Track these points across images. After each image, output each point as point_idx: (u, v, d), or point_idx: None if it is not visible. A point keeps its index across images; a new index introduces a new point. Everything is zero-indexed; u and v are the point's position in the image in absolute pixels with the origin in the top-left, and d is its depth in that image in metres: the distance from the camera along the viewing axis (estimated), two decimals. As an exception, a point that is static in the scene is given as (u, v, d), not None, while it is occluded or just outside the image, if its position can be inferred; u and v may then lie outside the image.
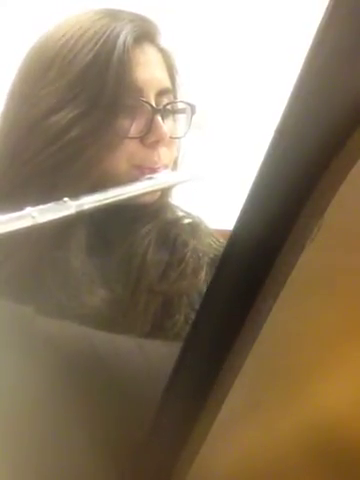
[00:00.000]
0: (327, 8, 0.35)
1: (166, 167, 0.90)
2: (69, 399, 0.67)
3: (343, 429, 0.55)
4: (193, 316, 0.84)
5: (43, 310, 0.73)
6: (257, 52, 1.78)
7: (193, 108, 0.94)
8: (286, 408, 0.50)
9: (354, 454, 0.56)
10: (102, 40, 0.85)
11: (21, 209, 0.74)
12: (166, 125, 0.89)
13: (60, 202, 0.76)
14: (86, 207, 0.78)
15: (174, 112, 0.93)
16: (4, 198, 0.84)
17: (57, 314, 0.76)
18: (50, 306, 0.80)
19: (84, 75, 0.84)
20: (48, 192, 0.80)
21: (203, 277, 0.89)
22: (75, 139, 0.84)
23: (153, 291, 0.87)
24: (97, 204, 0.79)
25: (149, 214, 0.92)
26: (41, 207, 0.75)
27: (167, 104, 0.90)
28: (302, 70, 0.37)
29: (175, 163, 0.95)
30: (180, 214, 0.97)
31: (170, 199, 0.97)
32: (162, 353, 0.74)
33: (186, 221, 0.95)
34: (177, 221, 0.95)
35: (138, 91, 0.87)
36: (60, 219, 0.76)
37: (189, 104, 0.94)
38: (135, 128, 0.87)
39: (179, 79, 0.95)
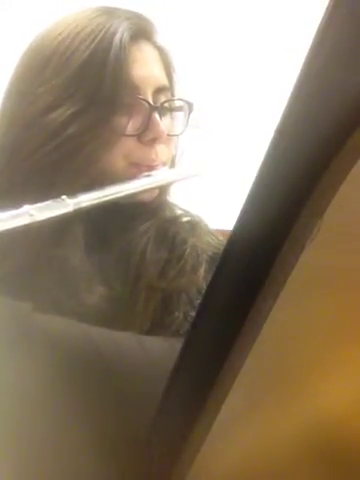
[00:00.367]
0: (327, 8, 0.35)
1: (164, 165, 0.90)
2: (68, 396, 0.67)
3: (343, 429, 0.55)
4: (192, 313, 0.84)
5: (42, 308, 0.73)
6: (256, 51, 1.78)
7: (191, 106, 0.94)
8: (286, 408, 0.50)
9: (354, 454, 0.56)
10: (99, 38, 0.85)
11: (19, 207, 0.73)
12: (163, 123, 0.89)
13: (58, 200, 0.76)
14: (84, 205, 0.78)
15: (171, 110, 0.93)
16: (2, 196, 0.84)
17: (56, 312, 0.76)
18: (49, 304, 0.80)
19: (81, 73, 0.84)
20: (46, 190, 0.80)
21: (202, 274, 0.89)
22: (72, 137, 0.84)
23: (152, 288, 0.87)
24: (95, 202, 0.79)
25: (147, 212, 0.92)
26: (39, 205, 0.74)
27: (164, 102, 0.90)
28: (302, 70, 0.37)
29: (173, 161, 0.95)
30: (179, 212, 0.97)
31: (168, 197, 0.97)
32: (163, 349, 0.75)
33: (185, 219, 0.95)
34: (176, 219, 0.95)
35: (135, 88, 0.87)
36: (58, 217, 0.76)
37: (187, 102, 0.94)
38: (132, 126, 0.87)
39: (176, 77, 0.95)
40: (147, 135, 0.87)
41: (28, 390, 0.67)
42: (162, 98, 0.90)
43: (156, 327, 0.85)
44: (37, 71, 0.86)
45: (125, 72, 0.85)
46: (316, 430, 0.53)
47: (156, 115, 0.88)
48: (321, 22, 0.36)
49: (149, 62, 0.90)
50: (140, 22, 0.90)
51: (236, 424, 0.48)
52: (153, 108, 0.88)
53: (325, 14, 0.35)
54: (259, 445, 0.51)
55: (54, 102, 0.84)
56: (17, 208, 0.73)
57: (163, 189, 0.93)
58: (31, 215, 0.73)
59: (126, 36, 0.85)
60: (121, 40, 0.85)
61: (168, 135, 0.90)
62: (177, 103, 0.94)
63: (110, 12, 0.88)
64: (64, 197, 0.76)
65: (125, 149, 0.87)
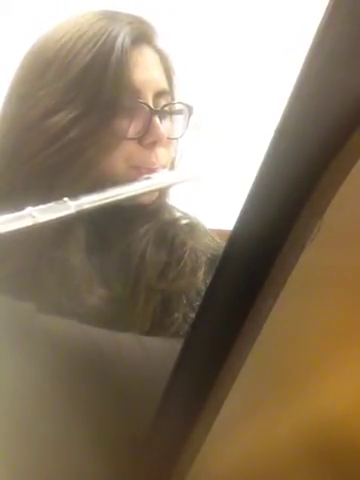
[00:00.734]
0: (327, 8, 0.35)
1: (164, 167, 0.90)
2: (69, 396, 0.67)
3: (343, 429, 0.55)
4: (191, 314, 0.85)
5: (43, 309, 0.74)
6: (256, 52, 1.78)
7: (190, 109, 0.94)
8: (286, 408, 0.50)
9: (354, 454, 0.56)
10: (100, 42, 0.85)
11: (21, 209, 0.74)
12: (163, 126, 0.89)
13: (60, 202, 0.76)
14: (85, 207, 0.78)
15: (171, 113, 0.94)
16: (4, 198, 0.85)
17: (56, 312, 0.76)
18: (50, 305, 0.80)
19: (82, 77, 0.84)
20: (47, 192, 0.80)
21: (201, 276, 0.89)
22: (73, 140, 0.84)
23: (152, 290, 0.87)
24: (96, 204, 0.79)
25: (147, 214, 0.92)
26: (41, 207, 0.75)
27: (165, 105, 0.90)
28: (302, 70, 0.37)
29: (173, 163, 0.96)
30: (178, 214, 0.97)
31: (168, 200, 0.97)
32: (163, 350, 0.75)
33: (184, 221, 0.96)
34: (175, 221, 0.95)
35: (136, 92, 0.87)
36: (60, 219, 0.76)
37: (186, 105, 0.94)
38: (133, 129, 0.88)
39: (176, 80, 0.95)
40: (147, 138, 0.88)
41: (30, 390, 0.67)
42: (162, 102, 0.90)
43: (156, 328, 0.86)
44: (38, 74, 0.86)
45: (126, 76, 0.85)
46: (316, 430, 0.53)
47: (156, 119, 0.88)
48: (321, 22, 0.36)
49: (150, 66, 0.90)
50: (141, 26, 0.90)
51: (236, 424, 0.48)
52: (153, 112, 0.88)
53: (325, 14, 0.35)
54: (259, 445, 0.51)
55: (55, 106, 0.84)
56: (19, 210, 0.74)
57: (163, 191, 0.93)
58: (33, 217, 0.74)
59: (127, 40, 0.86)
60: (122, 44, 0.85)
61: (168, 138, 0.90)
62: (177, 106, 0.95)
63: (112, 16, 0.89)
64: (66, 199, 0.77)
65: (126, 152, 0.87)
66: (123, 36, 0.86)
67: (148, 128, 0.87)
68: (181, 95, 0.95)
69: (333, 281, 0.44)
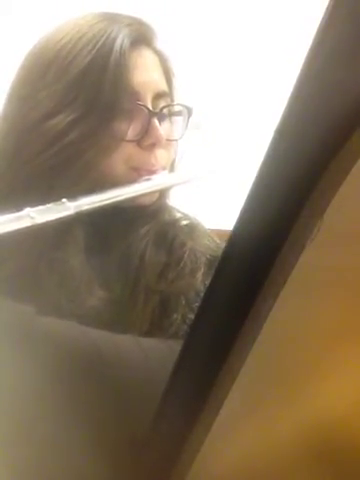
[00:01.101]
0: (327, 8, 0.35)
1: (164, 169, 0.90)
2: (69, 397, 0.67)
3: (343, 429, 0.55)
4: (190, 315, 0.85)
5: (42, 310, 0.74)
6: (256, 52, 1.77)
7: (190, 110, 0.94)
8: (286, 408, 0.50)
9: (354, 454, 0.56)
10: (99, 44, 0.85)
11: (20, 210, 0.74)
12: (163, 128, 0.89)
13: (59, 203, 0.76)
14: (85, 208, 0.78)
15: (171, 114, 0.94)
16: (4, 199, 0.85)
17: (56, 314, 0.76)
18: (49, 306, 0.80)
19: (81, 78, 0.84)
20: (46, 194, 0.80)
21: (200, 277, 0.89)
22: (73, 142, 0.84)
23: (151, 291, 0.87)
24: (95, 205, 0.79)
25: (147, 215, 0.92)
26: (40, 208, 0.75)
27: (164, 107, 0.90)
28: (302, 70, 0.37)
29: (173, 164, 0.96)
30: (178, 215, 0.97)
31: (168, 200, 0.97)
32: (160, 351, 0.75)
33: (184, 222, 0.96)
34: (175, 222, 0.95)
35: (135, 94, 0.87)
36: (59, 220, 0.76)
37: (186, 106, 0.94)
38: (132, 131, 0.87)
39: (176, 82, 0.95)
40: (146, 140, 0.88)
41: (29, 391, 0.67)
42: (162, 103, 0.90)
43: (155, 329, 0.86)
44: (38, 75, 0.86)
45: (125, 78, 0.85)
46: (316, 430, 0.53)
47: (155, 120, 0.88)
48: (321, 22, 0.36)
49: (149, 68, 0.90)
50: (141, 28, 0.90)
51: (236, 424, 0.48)
52: (152, 114, 0.88)
53: (325, 14, 0.35)
54: (259, 445, 0.51)
55: (54, 108, 0.84)
56: (18, 211, 0.74)
57: (163, 193, 0.94)
58: (32, 218, 0.74)
59: (126, 42, 0.86)
60: (121, 46, 0.85)
61: (167, 140, 0.90)
62: (176, 108, 0.95)
63: (111, 18, 0.89)
64: (65, 200, 0.77)
65: (125, 154, 0.87)
66: (122, 38, 0.86)
67: (147, 130, 0.87)
68: (181, 96, 0.95)
69: (333, 281, 0.44)
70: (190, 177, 0.92)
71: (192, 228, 0.95)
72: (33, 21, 1.55)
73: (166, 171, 0.91)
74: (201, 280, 0.89)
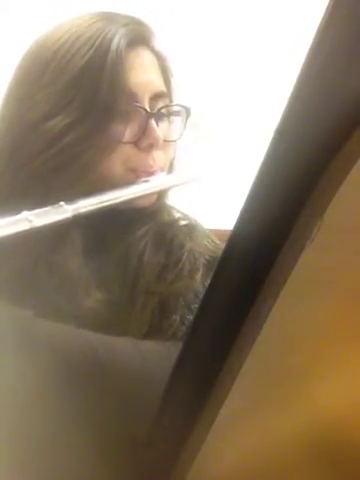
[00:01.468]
0: (327, 8, 0.35)
1: (162, 170, 0.90)
2: (69, 400, 0.67)
3: (343, 429, 0.55)
4: (189, 317, 0.85)
5: (41, 313, 0.73)
6: (256, 52, 1.77)
7: (188, 111, 0.94)
8: (286, 408, 0.50)
9: (353, 454, 0.56)
10: (96, 44, 0.85)
11: (17, 213, 0.74)
12: (161, 128, 0.89)
13: (56, 206, 0.76)
14: (82, 211, 0.78)
15: (169, 115, 0.93)
16: (2, 201, 0.84)
17: (55, 317, 0.76)
18: (48, 309, 0.80)
19: (79, 79, 0.84)
20: (44, 196, 0.80)
21: (199, 278, 0.89)
22: (70, 145, 0.84)
23: (150, 292, 0.87)
24: (93, 207, 0.79)
25: (146, 216, 0.92)
26: (37, 211, 0.75)
27: (162, 107, 0.90)
28: (302, 70, 0.37)
29: (171, 165, 0.95)
30: (177, 216, 0.97)
31: (167, 201, 0.97)
32: (159, 353, 0.75)
33: (182, 223, 0.96)
34: (174, 223, 0.95)
35: (132, 95, 0.87)
36: (57, 223, 0.76)
37: (184, 107, 0.94)
38: (129, 133, 0.87)
39: (174, 82, 0.95)
40: (144, 141, 0.87)
41: (28, 394, 0.67)
42: (160, 104, 0.90)
43: (154, 330, 0.86)
44: (36, 75, 0.86)
45: (122, 78, 0.85)
46: (316, 430, 0.53)
47: (153, 122, 0.88)
48: (321, 22, 0.36)
49: (147, 68, 0.90)
50: (138, 28, 0.90)
51: (236, 424, 0.48)
52: (150, 115, 0.88)
53: (325, 14, 0.35)
54: (259, 445, 0.51)
55: (51, 110, 0.84)
56: (16, 214, 0.74)
57: (161, 194, 0.93)
58: (30, 221, 0.74)
59: (123, 42, 0.85)
60: (118, 46, 0.85)
61: (165, 141, 0.90)
62: (174, 108, 0.94)
63: (109, 18, 0.89)
64: (62, 203, 0.77)
65: (123, 155, 0.87)
66: (119, 38, 0.85)
67: (144, 131, 0.87)
68: (179, 96, 0.95)
69: (333, 281, 0.44)
70: (189, 178, 0.92)
71: (191, 229, 0.95)
72: (31, 21, 1.55)
73: (164, 172, 0.91)
74: (200, 281, 0.89)
